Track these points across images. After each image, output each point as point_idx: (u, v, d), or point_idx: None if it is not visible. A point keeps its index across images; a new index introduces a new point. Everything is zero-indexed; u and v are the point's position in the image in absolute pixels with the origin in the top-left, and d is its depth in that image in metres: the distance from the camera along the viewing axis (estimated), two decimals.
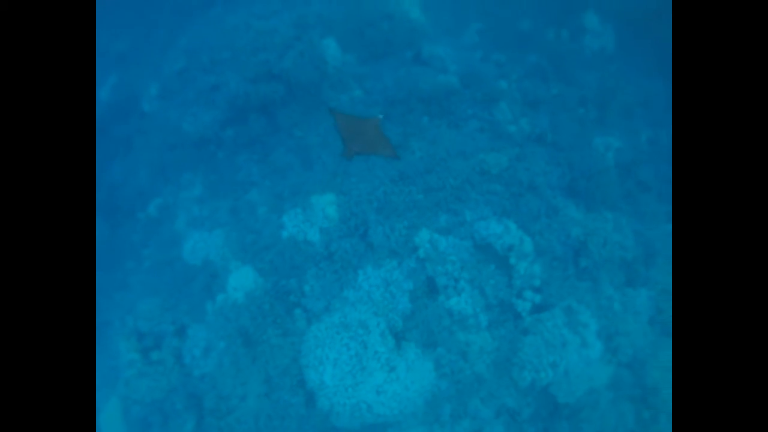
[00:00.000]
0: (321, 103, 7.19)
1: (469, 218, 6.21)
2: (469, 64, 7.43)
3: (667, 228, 7.03)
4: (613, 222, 6.60)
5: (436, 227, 6.21)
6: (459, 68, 7.34)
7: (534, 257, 6.08)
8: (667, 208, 7.12)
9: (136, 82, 9.06)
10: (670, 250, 6.79)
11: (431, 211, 6.28)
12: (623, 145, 7.16)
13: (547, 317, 5.95)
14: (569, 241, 6.42)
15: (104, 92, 9.60)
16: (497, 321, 6.00)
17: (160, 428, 6.23)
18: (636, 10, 8.53)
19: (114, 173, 8.47)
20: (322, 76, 7.24)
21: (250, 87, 7.36)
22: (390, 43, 7.52)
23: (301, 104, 7.19)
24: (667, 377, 6.28)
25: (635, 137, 7.33)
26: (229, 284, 6.42)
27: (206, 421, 5.88)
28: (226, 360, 6.12)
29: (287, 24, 7.77)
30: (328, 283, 6.17)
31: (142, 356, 6.30)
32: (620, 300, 6.38)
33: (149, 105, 8.41)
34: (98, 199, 7.78)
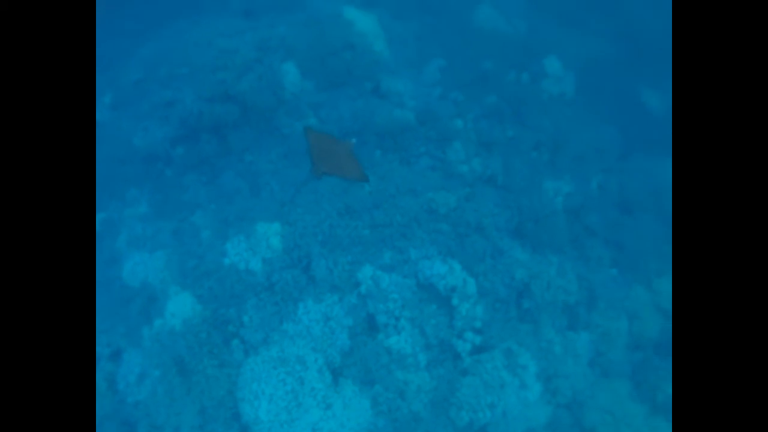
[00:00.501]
0: (274, 129, 7.23)
1: (414, 257, 6.28)
2: (427, 101, 7.58)
3: (611, 273, 7.24)
4: (558, 265, 6.77)
5: (380, 264, 6.27)
6: (416, 104, 7.48)
7: (477, 299, 6.18)
8: (611, 253, 7.34)
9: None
10: (612, 294, 7.00)
11: (376, 248, 6.34)
12: (573, 190, 7.38)
13: (487, 358, 6.05)
14: (513, 283, 6.55)
15: None
16: (436, 361, 6.06)
17: None
18: (598, 58, 8.87)
19: None
20: (279, 101, 7.29)
21: (204, 106, 7.35)
22: (350, 74, 7.62)
23: (254, 128, 7.21)
24: (604, 419, 6.45)
25: (585, 183, 7.56)
26: (167, 309, 6.35)
27: None
28: (160, 388, 6.03)
29: (249, 45, 7.81)
30: (267, 315, 6.15)
31: None
32: (561, 343, 6.52)
33: (101, 114, 8.29)
34: None
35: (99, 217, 7.55)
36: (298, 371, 5.82)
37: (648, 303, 7.19)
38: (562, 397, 6.35)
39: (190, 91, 7.49)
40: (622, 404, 6.46)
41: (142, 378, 6.19)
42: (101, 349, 6.42)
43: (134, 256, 6.91)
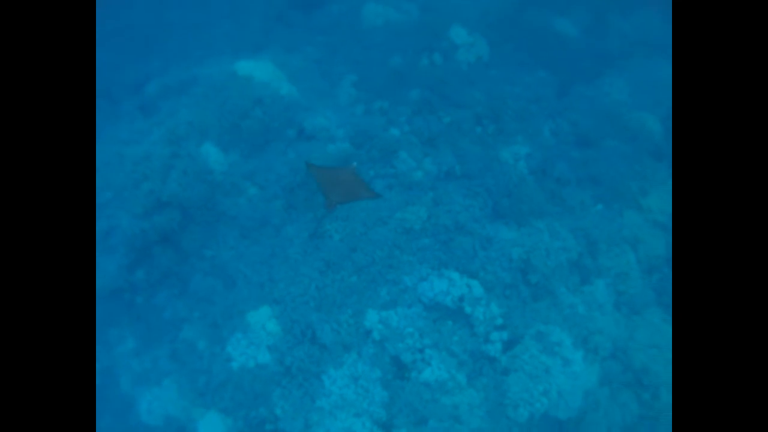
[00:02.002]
0: (221, 215, 7.22)
1: (410, 283, 6.39)
2: (355, 123, 7.66)
3: (597, 208, 7.45)
4: (547, 229, 6.96)
5: (381, 304, 6.36)
6: (346, 131, 7.54)
7: (487, 297, 6.32)
8: (589, 191, 7.55)
9: None
10: (608, 231, 7.22)
11: (370, 290, 6.42)
12: (530, 149, 7.58)
13: (521, 350, 6.22)
14: (513, 265, 6.72)
15: None
16: (475, 373, 6.20)
17: None
18: (497, 9, 9.06)
19: None
20: (213, 186, 7.26)
21: (143, 222, 7.28)
22: (269, 129, 7.64)
23: (200, 223, 7.18)
24: (650, 354, 6.70)
25: (538, 136, 7.76)
26: None
27: None
28: None
29: (159, 143, 7.73)
30: (297, 400, 6.19)
31: None
32: (582, 301, 6.72)
33: None
34: None
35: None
36: None
37: (643, 224, 7.46)
38: (604, 351, 6.59)
39: (123, 214, 7.39)
40: (661, 332, 6.71)
41: None
42: None
43: (145, 394, 6.86)
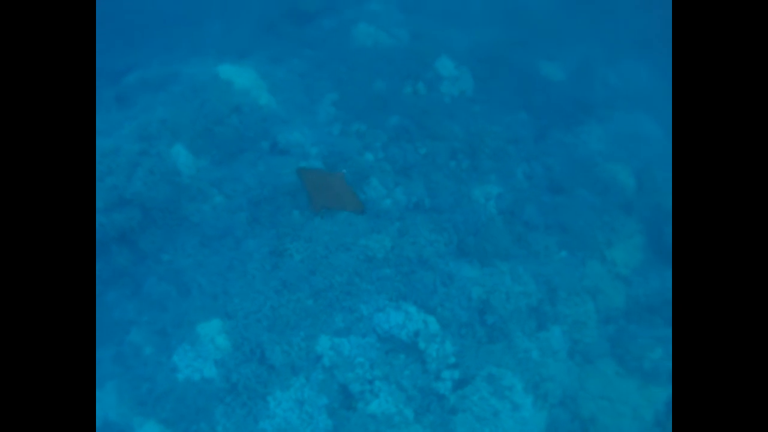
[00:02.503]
0: (183, 220, 7.14)
1: (366, 312, 6.38)
2: (331, 143, 7.67)
3: (562, 258, 7.54)
4: (510, 271, 7.03)
5: (335, 330, 6.34)
6: (320, 149, 7.55)
7: (442, 334, 6.33)
8: (555, 237, 7.64)
9: None
10: (570, 279, 7.32)
11: (325, 314, 6.39)
12: (502, 190, 7.66)
13: (471, 390, 6.25)
14: (472, 304, 6.77)
15: None
16: (423, 409, 6.22)
17: None
18: (486, 46, 9.20)
19: None
20: (178, 189, 7.18)
21: (103, 218, 7.13)
22: (243, 138, 7.60)
23: (162, 226, 7.08)
24: (600, 404, 6.79)
25: (511, 177, 7.86)
26: None
27: None
28: None
29: (130, 138, 7.62)
30: (240, 419, 6.12)
31: None
32: (536, 346, 6.78)
33: None
34: None
35: None
36: None
37: (605, 275, 7.58)
38: (553, 398, 6.65)
39: None
40: (613, 385, 6.79)
41: None
42: None
43: None
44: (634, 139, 8.72)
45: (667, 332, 7.07)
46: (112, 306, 6.98)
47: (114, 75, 9.19)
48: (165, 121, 7.49)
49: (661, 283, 7.56)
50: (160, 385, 6.39)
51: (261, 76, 8.32)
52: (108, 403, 6.54)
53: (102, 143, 7.61)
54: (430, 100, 8.50)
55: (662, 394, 6.77)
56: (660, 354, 6.81)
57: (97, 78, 8.91)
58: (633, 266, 7.61)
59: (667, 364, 6.71)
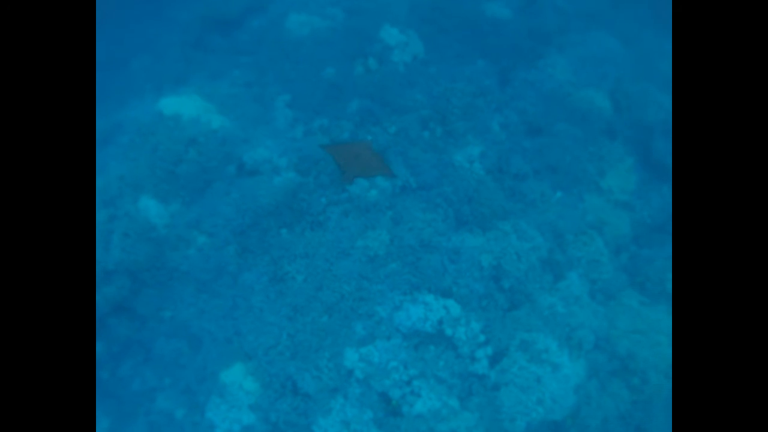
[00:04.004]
0: (172, 272, 6.96)
1: (384, 314, 6.34)
2: (298, 148, 7.47)
3: (557, 198, 7.50)
4: (513, 230, 7.00)
5: (358, 340, 6.33)
6: (289, 158, 7.35)
7: (465, 315, 6.32)
8: (547, 180, 7.61)
9: None
10: (572, 219, 7.32)
11: (344, 327, 6.35)
12: (483, 148, 7.56)
13: (509, 363, 6.29)
14: (485, 273, 6.74)
15: None
16: (467, 394, 6.26)
17: None
18: (426, 2, 8.90)
19: None
20: (158, 243, 6.98)
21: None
22: (207, 170, 7.35)
23: (153, 285, 6.92)
24: (633, 339, 6.88)
25: (488, 132, 7.76)
26: None
27: None
28: None
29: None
30: None
31: None
32: (559, 299, 6.82)
33: None
34: None
35: None
36: None
37: (605, 205, 7.62)
38: (587, 344, 6.72)
39: None
40: (641, 316, 6.87)
41: None
42: None
43: None
44: (597, 59, 8.59)
45: None
46: (130, 378, 6.87)
47: None
48: (123, 178, 7.21)
49: (661, 199, 7.59)
50: None
51: (206, 98, 7.99)
52: None
53: None
54: (384, 73, 8.25)
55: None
56: None
57: None
58: (630, 190, 7.60)
59: None
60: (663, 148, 7.89)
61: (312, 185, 7.16)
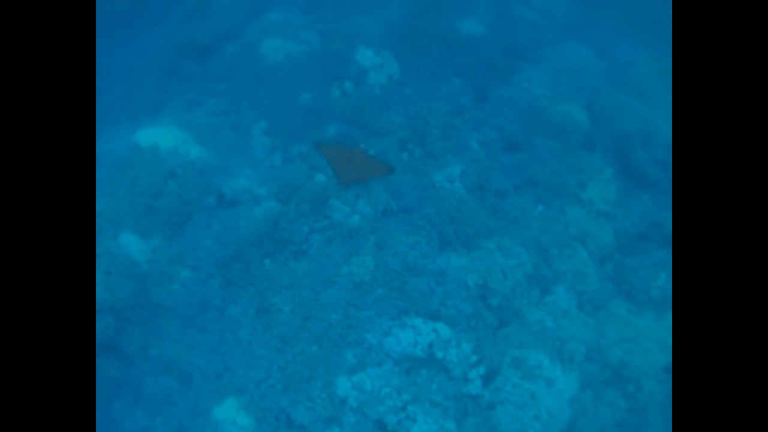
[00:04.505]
0: (157, 308, 6.97)
1: (374, 340, 6.40)
2: (277, 176, 7.54)
3: (540, 213, 7.62)
4: (497, 247, 7.10)
5: (350, 368, 6.38)
6: (269, 187, 7.41)
7: (455, 336, 6.40)
8: (528, 195, 7.73)
9: None
10: (555, 233, 7.44)
11: (335, 356, 6.40)
12: (462, 167, 7.68)
13: (502, 381, 6.40)
14: (472, 293, 6.86)
15: None
16: (462, 415, 6.33)
17: None
18: (398, 22, 9.03)
19: None
20: (141, 279, 6.99)
21: None
22: (187, 202, 7.38)
23: (138, 323, 6.93)
24: (624, 347, 7.00)
25: (467, 150, 7.85)
26: None
27: None
28: None
29: None
30: None
31: None
32: (547, 313, 6.95)
33: None
34: None
35: None
36: None
37: (587, 217, 7.76)
38: (579, 356, 6.82)
39: None
40: (630, 324, 7.01)
41: None
42: None
43: None
44: (572, 72, 8.77)
45: (663, 254, 7.28)
46: (120, 419, 6.82)
47: None
48: (102, 214, 7.20)
49: (642, 207, 7.76)
50: None
51: (183, 128, 8.02)
52: None
53: None
54: (361, 96, 8.36)
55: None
56: (664, 279, 7.03)
57: None
58: (611, 200, 7.76)
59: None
60: (642, 157, 8.08)
61: (293, 214, 7.21)
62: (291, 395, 6.30)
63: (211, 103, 8.57)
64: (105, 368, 6.94)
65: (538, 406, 6.23)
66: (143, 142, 7.80)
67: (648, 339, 6.80)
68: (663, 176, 7.97)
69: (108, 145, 8.09)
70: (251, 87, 8.67)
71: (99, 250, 7.04)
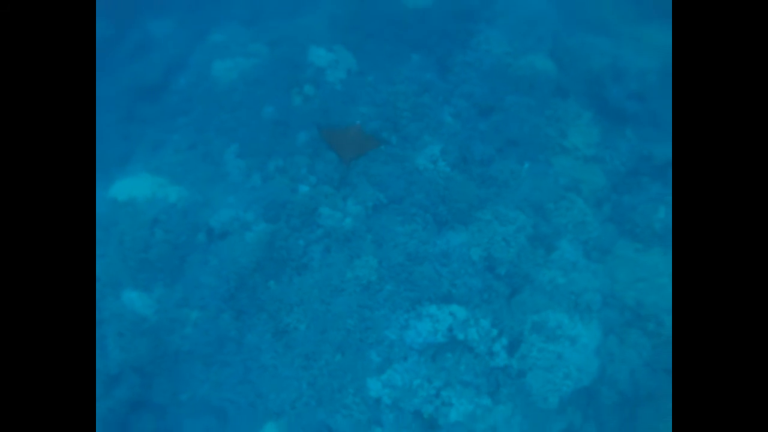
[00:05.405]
0: (176, 355, 7.42)
1: (394, 336, 6.86)
2: (260, 197, 7.98)
3: (525, 168, 8.06)
4: (494, 216, 7.54)
5: (376, 368, 6.84)
6: (256, 210, 7.88)
7: (472, 314, 6.85)
8: (512, 156, 8.18)
9: None
10: (547, 189, 7.90)
11: (359, 360, 6.86)
12: (442, 144, 8.11)
13: (527, 348, 6.86)
14: (478, 266, 7.32)
15: None
16: (494, 390, 6.81)
17: None
18: (343, 12, 9.37)
19: None
20: (154, 332, 7.48)
21: (106, 402, 7.40)
22: (178, 246, 7.83)
23: (161, 373, 7.41)
24: (638, 287, 7.46)
25: (442, 126, 8.31)
26: None
27: None
28: None
29: None
30: None
31: None
32: (557, 270, 7.43)
33: None
34: None
35: None
36: None
37: (575, 164, 8.24)
38: (596, 305, 7.29)
39: None
40: (639, 263, 7.48)
41: None
42: None
43: None
44: (529, 22, 9.16)
45: (658, 187, 7.74)
46: None
47: None
48: (99, 278, 7.64)
49: (627, 143, 8.21)
50: None
51: (155, 173, 8.43)
52: None
53: None
54: (323, 97, 8.75)
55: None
56: (664, 212, 7.49)
57: None
58: (595, 143, 8.20)
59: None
60: (616, 94, 8.52)
61: (285, 230, 7.65)
62: (327, 407, 6.79)
63: (176, 140, 8.97)
64: (141, 425, 7.44)
65: (567, 364, 6.73)
66: (120, 196, 8.22)
67: (660, 274, 7.29)
68: (641, 108, 8.42)
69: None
70: (212, 113, 9.06)
71: (105, 314, 7.50)
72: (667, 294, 7.19)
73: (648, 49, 8.76)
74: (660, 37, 8.79)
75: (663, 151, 8.09)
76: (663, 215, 7.51)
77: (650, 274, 7.32)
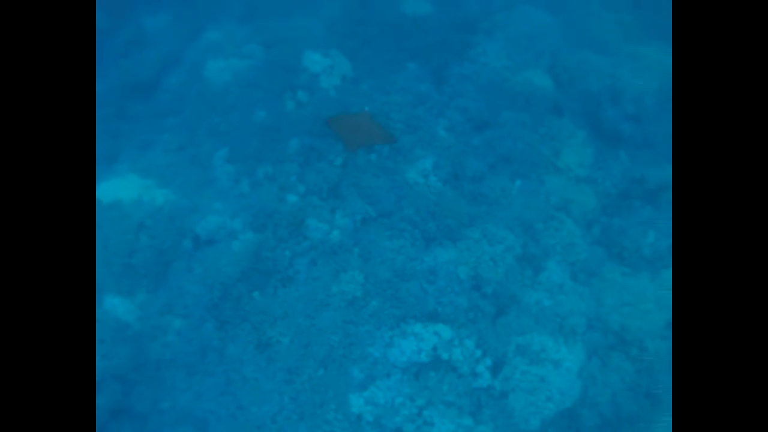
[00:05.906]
0: (158, 363, 7.62)
1: (378, 353, 7.11)
2: (248, 204, 8.17)
3: (517, 186, 8.26)
4: (483, 234, 7.77)
5: (359, 385, 7.09)
6: (243, 218, 8.07)
7: (456, 334, 7.11)
8: (505, 174, 8.41)
9: None
10: (538, 209, 8.11)
11: (342, 376, 7.11)
12: (434, 158, 8.36)
13: (510, 370, 7.14)
14: (465, 285, 7.56)
15: None
16: (476, 409, 7.04)
17: None
18: (341, 16, 9.53)
19: None
20: (136, 339, 7.69)
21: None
22: (163, 251, 8.03)
23: (143, 381, 7.58)
24: (623, 312, 7.73)
25: (436, 140, 8.51)
26: None
27: None
28: None
29: None
30: None
31: None
32: (543, 291, 7.69)
33: None
34: None
35: None
36: None
37: (567, 184, 8.47)
38: (580, 329, 7.56)
39: None
40: (626, 287, 7.76)
41: None
42: None
43: None
44: (529, 36, 9.36)
45: (649, 211, 7.97)
46: None
47: None
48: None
49: (620, 165, 8.43)
50: None
51: (142, 175, 8.60)
52: None
53: None
54: (316, 104, 8.94)
55: (667, 275, 7.71)
56: (653, 236, 7.73)
57: None
58: (588, 163, 8.43)
59: (665, 243, 7.64)
60: (612, 115, 8.74)
61: (272, 241, 7.86)
62: (308, 422, 7.02)
63: (166, 140, 9.14)
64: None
65: (549, 387, 6.99)
66: (105, 198, 8.39)
67: (646, 300, 7.55)
68: (636, 130, 8.66)
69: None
70: (203, 115, 9.23)
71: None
72: (652, 319, 7.45)
73: (646, 70, 8.99)
74: (659, 57, 9.02)
75: (656, 174, 8.33)
76: (652, 239, 7.76)
77: (636, 299, 7.57)
